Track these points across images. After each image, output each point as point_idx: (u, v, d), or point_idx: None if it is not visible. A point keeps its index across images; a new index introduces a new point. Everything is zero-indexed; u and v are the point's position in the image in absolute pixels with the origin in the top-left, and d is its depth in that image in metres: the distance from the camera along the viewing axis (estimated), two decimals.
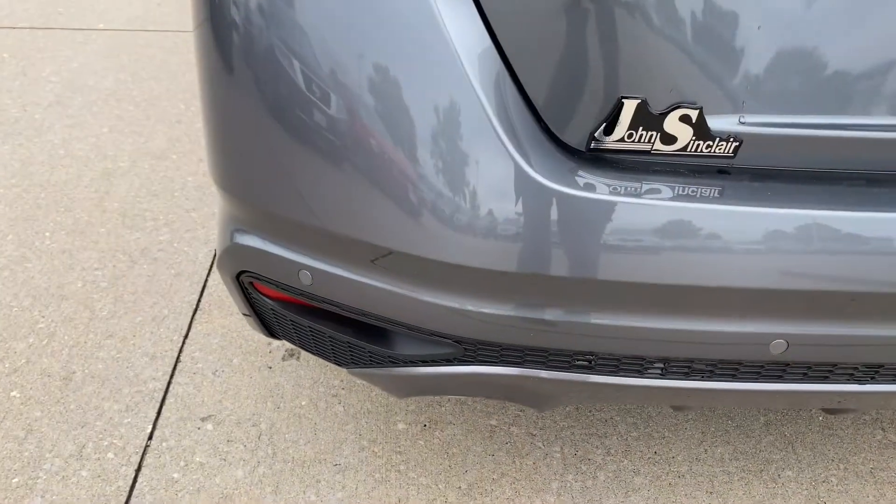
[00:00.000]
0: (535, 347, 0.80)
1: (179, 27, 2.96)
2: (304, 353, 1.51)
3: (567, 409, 1.42)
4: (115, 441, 1.31)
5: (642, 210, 0.70)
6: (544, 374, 0.82)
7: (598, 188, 0.71)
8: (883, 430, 1.41)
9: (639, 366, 0.80)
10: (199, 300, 1.62)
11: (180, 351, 1.49)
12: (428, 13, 0.66)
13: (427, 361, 0.85)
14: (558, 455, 1.33)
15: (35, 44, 2.76)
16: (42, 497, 1.21)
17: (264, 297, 0.92)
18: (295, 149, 0.74)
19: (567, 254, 0.72)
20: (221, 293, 1.64)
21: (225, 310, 1.60)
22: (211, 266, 1.72)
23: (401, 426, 1.37)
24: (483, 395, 0.91)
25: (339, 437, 1.34)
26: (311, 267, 0.81)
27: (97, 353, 1.48)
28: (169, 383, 1.42)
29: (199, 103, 2.38)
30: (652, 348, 0.77)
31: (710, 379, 0.81)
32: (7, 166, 2.03)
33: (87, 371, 1.44)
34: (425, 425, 1.38)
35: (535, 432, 1.38)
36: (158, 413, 1.37)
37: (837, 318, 0.75)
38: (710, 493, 1.28)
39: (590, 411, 1.42)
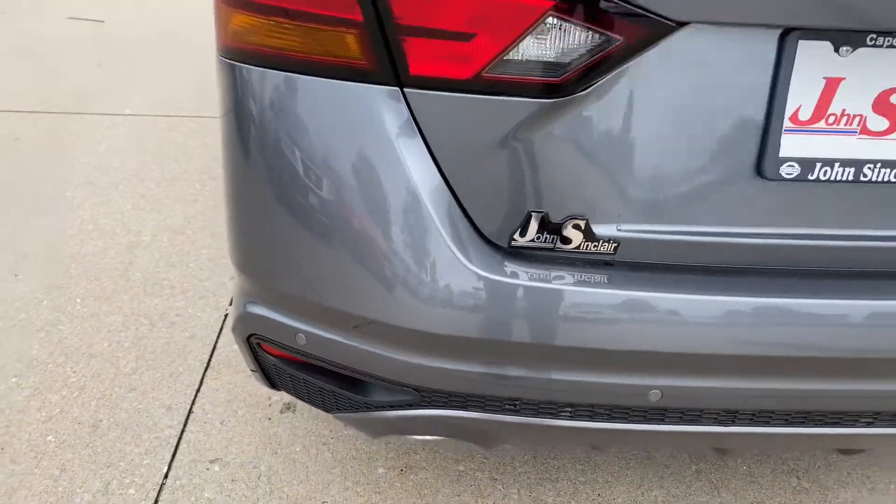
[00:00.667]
0: (474, 394, 1.04)
1: (197, 113, 3.29)
2: (298, 405, 1.74)
3: (526, 455, 1.64)
4: (135, 479, 1.53)
5: (549, 291, 0.96)
6: (482, 416, 1.06)
7: (518, 275, 0.97)
8: (798, 478, 1.63)
9: (553, 409, 1.04)
10: (209, 359, 1.86)
11: (192, 403, 1.73)
12: (395, 156, 0.93)
13: (393, 406, 1.09)
14: (515, 496, 1.55)
15: (68, 127, 3.08)
16: None
17: (268, 355, 1.16)
18: (298, 244, 1.00)
19: (496, 323, 0.97)
20: (229, 354, 1.89)
21: (232, 368, 1.84)
22: (221, 329, 1.97)
23: (381, 470, 1.60)
24: (437, 434, 1.15)
25: (327, 478, 1.56)
26: (305, 331, 1.07)
27: (121, 404, 1.72)
28: (182, 430, 1.65)
29: (212, 184, 2.68)
30: (561, 395, 1.02)
31: (609, 421, 1.05)
32: (43, 239, 2.31)
33: (112, 419, 1.67)
34: (402, 470, 1.60)
35: (496, 476, 1.60)
36: (173, 456, 1.59)
37: (700, 374, 1.00)
38: None
39: (545, 458, 1.64)
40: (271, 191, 1.00)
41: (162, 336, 1.93)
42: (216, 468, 1.58)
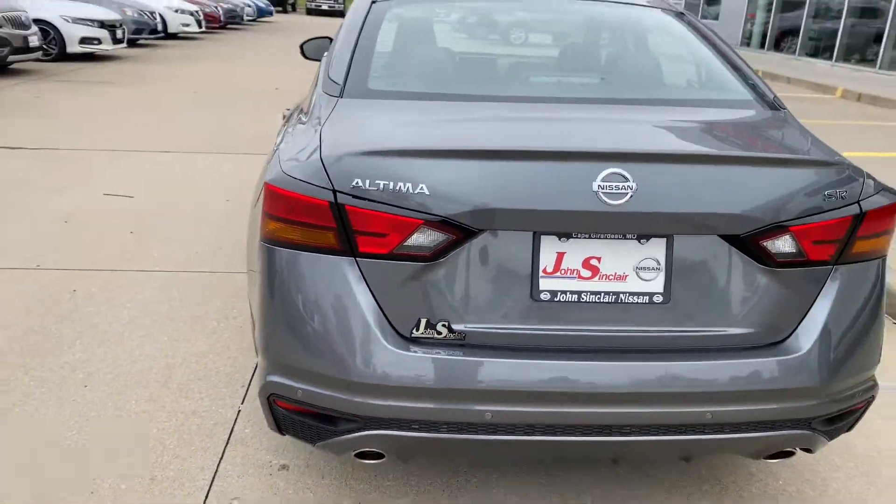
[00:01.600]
0: (394, 419, 1.91)
1: (213, 269, 4.27)
2: (290, 465, 2.56)
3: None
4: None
5: (432, 358, 1.88)
6: (399, 433, 1.93)
7: (416, 351, 1.89)
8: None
9: (435, 427, 1.91)
10: (228, 438, 2.69)
11: (217, 466, 2.54)
12: (352, 292, 1.88)
13: (348, 431, 1.96)
14: None
15: (115, 281, 4.03)
16: None
17: (279, 408, 2.04)
18: (298, 338, 1.92)
19: (404, 376, 1.88)
20: (242, 435, 2.71)
21: (244, 444, 2.66)
22: (235, 420, 2.80)
23: (345, 502, 2.40)
24: (375, 447, 1.99)
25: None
26: (301, 388, 1.95)
27: (170, 466, 2.52)
28: (212, 481, 2.46)
29: (226, 322, 3.59)
30: (439, 416, 1.89)
31: (462, 434, 1.91)
32: (105, 360, 3.17)
33: (164, 475, 2.47)
34: (358, 502, 2.41)
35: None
36: (206, 497, 2.39)
37: (512, 403, 1.88)
38: None
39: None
40: (283, 309, 1.94)
41: (195, 424, 2.77)
42: (237, 503, 2.37)
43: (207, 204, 5.49)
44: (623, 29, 3.08)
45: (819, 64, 18.58)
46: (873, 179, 2.05)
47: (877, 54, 16.76)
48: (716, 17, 25.13)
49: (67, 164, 6.44)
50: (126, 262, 4.31)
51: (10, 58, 11.44)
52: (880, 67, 16.60)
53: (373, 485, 2.49)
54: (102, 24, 14.00)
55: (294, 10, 40.50)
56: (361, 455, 2.06)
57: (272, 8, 32.11)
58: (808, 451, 2.17)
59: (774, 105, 2.46)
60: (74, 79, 11.65)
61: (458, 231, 1.85)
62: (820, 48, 19.20)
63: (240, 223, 4.61)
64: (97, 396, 2.93)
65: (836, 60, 18.23)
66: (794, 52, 20.23)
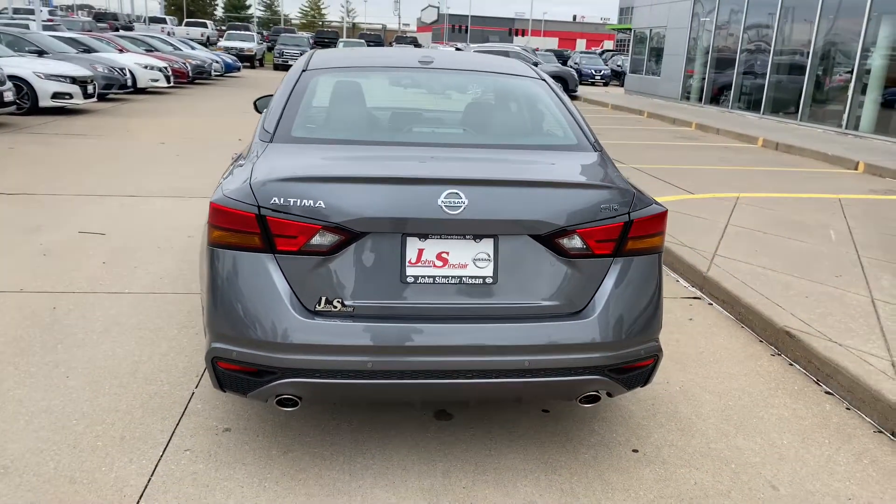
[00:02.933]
0: (304, 369, 2.67)
1: (174, 291, 4.98)
2: (232, 427, 3.27)
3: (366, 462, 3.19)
4: (136, 459, 3.03)
5: (331, 324, 2.66)
6: (310, 380, 2.68)
7: (318, 320, 2.67)
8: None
9: (336, 375, 2.67)
10: (183, 412, 3.40)
11: (175, 427, 3.25)
12: (272, 279, 2.66)
13: (271, 381, 2.71)
14: (340, 459, 3.09)
15: (90, 301, 4.72)
16: None
17: (220, 368, 2.78)
18: (235, 314, 2.69)
19: (311, 339, 2.65)
20: (196, 406, 3.42)
21: (197, 414, 3.37)
22: (190, 398, 3.52)
23: (273, 452, 3.13)
24: (293, 393, 2.74)
25: (247, 456, 3.09)
26: (236, 350, 2.71)
27: (139, 425, 3.23)
28: (170, 438, 3.17)
29: (185, 331, 4.30)
30: (338, 366, 2.65)
31: (361, 379, 2.68)
32: (81, 362, 3.87)
33: (132, 435, 3.18)
34: (285, 452, 3.13)
35: (333, 452, 3.14)
36: (163, 452, 3.10)
37: (390, 355, 2.66)
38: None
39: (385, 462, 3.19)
40: (222, 294, 2.71)
41: (157, 401, 3.47)
42: (188, 454, 3.08)
43: (171, 238, 6.23)
44: (490, 91, 4.00)
45: (749, 116, 20.09)
46: (643, 198, 2.92)
47: (797, 107, 18.29)
48: (658, 74, 26.86)
49: (44, 208, 7.14)
50: (99, 286, 5.02)
51: None
52: (801, 119, 18.10)
53: (297, 441, 3.22)
54: (74, 80, 14.74)
55: (262, 65, 41.68)
56: (281, 402, 2.81)
57: (239, 64, 33.15)
58: (609, 394, 2.98)
59: (595, 147, 3.35)
60: (47, 131, 12.35)
61: (347, 233, 2.66)
62: (750, 101, 20.76)
63: (198, 254, 5.36)
64: (78, 384, 3.62)
65: (763, 113, 19.75)
66: (728, 106, 21.80)
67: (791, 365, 4.34)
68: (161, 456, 3.05)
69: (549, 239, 2.76)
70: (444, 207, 2.66)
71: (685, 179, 9.93)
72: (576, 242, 2.78)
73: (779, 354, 4.48)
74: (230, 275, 2.71)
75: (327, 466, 3.05)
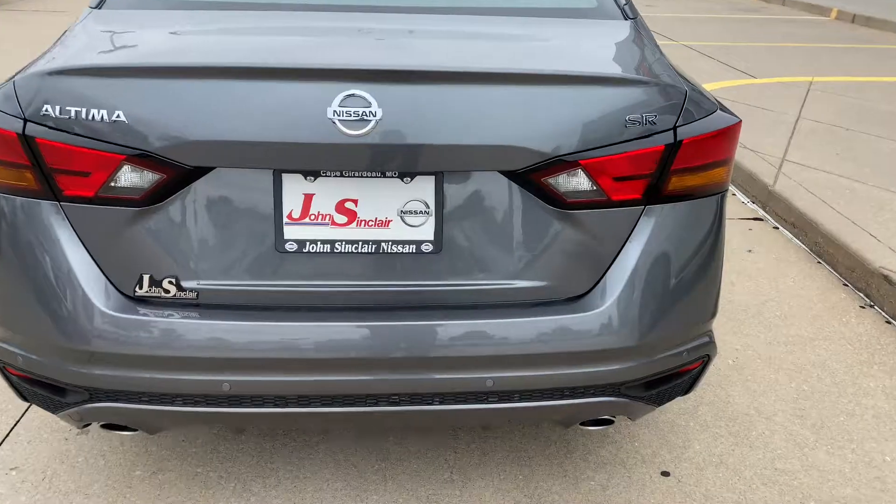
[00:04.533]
0: (122, 391, 1.64)
1: None
2: (91, 429, 2.32)
3: (251, 460, 2.21)
4: None
5: (162, 322, 1.59)
6: (130, 406, 1.66)
7: (142, 313, 1.60)
8: (450, 471, 2.21)
9: (171, 399, 1.64)
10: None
11: (11, 429, 2.30)
12: (57, 242, 1.58)
13: (79, 403, 1.69)
14: (231, 486, 2.12)
15: None
16: None
17: (11, 375, 1.77)
18: (12, 307, 1.63)
19: (129, 343, 1.59)
20: None
21: None
22: None
23: (137, 472, 2.17)
24: (112, 420, 1.73)
25: (95, 479, 2.13)
26: (21, 355, 1.68)
27: None
28: None
29: None
30: (175, 388, 1.62)
31: (206, 406, 1.65)
32: None
33: None
34: (153, 472, 2.17)
35: (223, 475, 2.17)
36: None
37: (252, 372, 1.61)
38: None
39: (265, 462, 2.21)
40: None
41: None
42: (13, 474, 2.14)
43: None
44: None
45: None
46: (700, 100, 1.70)
47: None
48: None
49: None
50: None
51: None
52: None
53: (175, 452, 2.25)
54: None
55: None
56: (110, 427, 1.81)
57: None
58: (630, 418, 1.91)
59: (625, 13, 2.08)
60: (24, 8, 11.10)
61: (171, 169, 1.53)
62: None
63: None
64: None
65: None
66: None
67: (889, 323, 3.17)
68: None
69: (534, 177, 1.59)
70: (338, 124, 1.49)
71: (744, 60, 8.33)
72: (579, 182, 1.61)
73: (872, 307, 3.31)
74: (6, 233, 1.63)
75: (209, 499, 2.08)
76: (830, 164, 4.72)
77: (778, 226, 4.17)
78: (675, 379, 1.84)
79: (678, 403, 2.54)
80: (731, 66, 7.97)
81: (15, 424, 2.34)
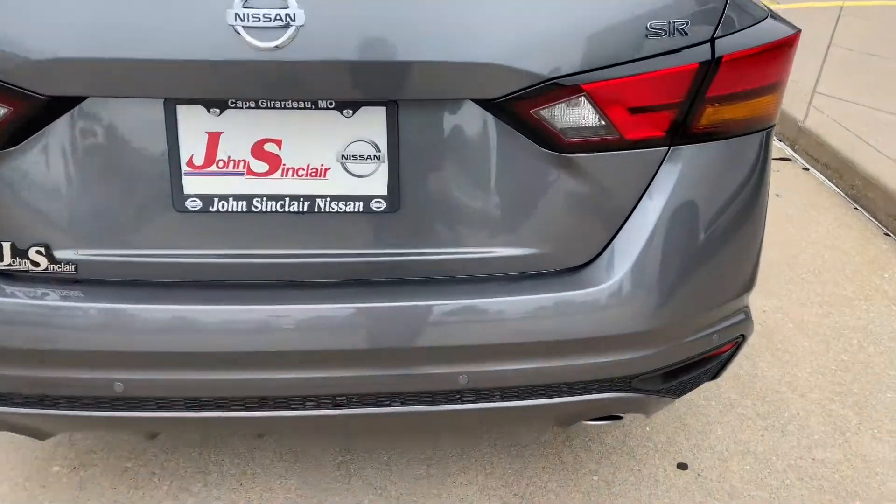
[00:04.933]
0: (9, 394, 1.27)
1: None
2: None
3: (192, 453, 1.87)
4: None
5: (25, 304, 1.21)
6: (6, 410, 1.30)
7: (6, 292, 1.22)
8: (427, 466, 1.86)
9: (50, 402, 1.28)
10: None
11: None
12: None
13: None
14: (166, 486, 1.78)
15: None
16: None
17: None
18: None
19: None
20: None
21: None
22: None
23: (55, 468, 1.83)
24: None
25: (4, 477, 1.79)
26: None
27: None
28: None
29: None
30: (53, 390, 1.25)
31: (90, 410, 1.28)
32: None
33: None
34: (74, 468, 1.83)
35: (156, 471, 1.83)
36: None
37: (151, 368, 1.23)
38: None
39: (208, 455, 1.87)
40: None
41: None
42: None
43: None
44: None
45: None
46: (748, 5, 1.26)
47: None
48: None
49: None
50: None
51: None
52: None
53: (103, 441, 1.91)
54: None
55: None
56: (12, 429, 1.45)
57: None
58: (644, 414, 1.54)
59: None
60: None
61: (19, 100, 1.11)
62: None
63: None
64: None
65: None
66: None
67: None
68: None
69: (520, 108, 1.17)
70: (242, 32, 1.07)
71: None
72: (582, 114, 1.18)
73: None
74: None
75: (136, 502, 1.74)
76: (866, 96, 4.22)
77: (808, 167, 3.72)
78: (701, 367, 1.46)
79: None
80: None
81: None
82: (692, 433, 1.99)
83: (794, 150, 3.88)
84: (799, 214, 3.22)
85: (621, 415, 1.49)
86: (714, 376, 1.57)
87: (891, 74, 4.66)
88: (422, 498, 1.78)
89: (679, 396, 1.51)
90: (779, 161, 3.77)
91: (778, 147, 3.94)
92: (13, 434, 1.73)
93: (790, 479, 1.87)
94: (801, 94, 4.23)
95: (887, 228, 3.10)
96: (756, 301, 2.54)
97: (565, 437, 1.96)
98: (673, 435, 1.98)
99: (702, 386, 2.09)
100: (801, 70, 4.63)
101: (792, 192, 3.43)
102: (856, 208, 3.30)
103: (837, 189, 3.47)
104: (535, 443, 1.94)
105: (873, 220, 3.19)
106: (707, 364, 1.47)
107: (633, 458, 1.91)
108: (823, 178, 3.59)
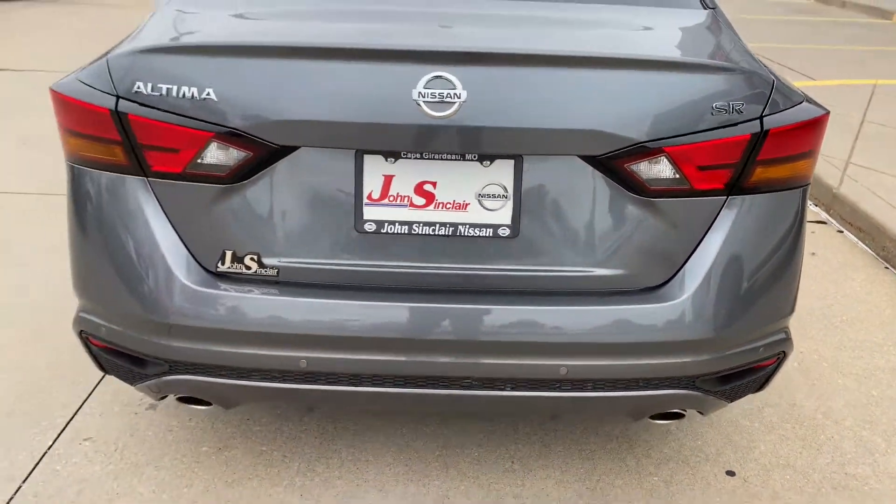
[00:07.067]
0: (203, 364, 1.68)
1: None
2: (159, 405, 2.38)
3: (314, 440, 2.24)
4: (27, 449, 2.17)
5: (242, 297, 1.62)
6: (210, 380, 1.70)
7: (223, 288, 1.63)
8: (511, 461, 2.20)
9: (247, 374, 1.67)
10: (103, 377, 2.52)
11: (83, 403, 2.38)
12: (144, 217, 1.62)
13: (158, 375, 1.73)
14: (295, 466, 2.15)
15: (49, 203, 3.87)
16: None
17: (92, 345, 1.82)
18: (98, 276, 1.68)
19: (209, 317, 1.63)
20: None
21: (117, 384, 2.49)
22: None
23: (204, 448, 2.21)
24: (184, 393, 1.77)
25: (164, 452, 2.18)
26: (104, 326, 1.73)
27: (30, 399, 2.37)
28: (70, 419, 2.30)
29: None
30: (252, 363, 1.65)
31: (286, 382, 1.67)
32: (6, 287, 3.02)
33: (22, 409, 2.32)
34: (219, 448, 2.21)
35: (286, 454, 2.20)
36: (59, 435, 2.23)
37: (330, 350, 1.62)
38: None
39: (326, 441, 2.24)
40: (81, 235, 1.69)
41: (69, 358, 2.60)
42: (87, 445, 2.21)
43: None
44: None
45: None
46: (786, 91, 1.66)
47: None
48: None
49: (31, 86, 6.27)
50: None
51: None
52: None
53: (240, 432, 2.29)
54: None
55: None
56: (185, 400, 1.85)
57: None
58: (700, 412, 1.88)
59: (704, 2, 2.04)
60: (82, 1, 11.44)
61: (257, 147, 1.55)
62: None
63: None
64: None
65: None
66: None
67: None
68: (49, 448, 2.19)
69: (616, 163, 1.58)
70: (422, 105, 1.50)
71: (803, 62, 8.13)
72: (662, 170, 1.59)
73: None
74: (90, 207, 1.69)
75: (272, 479, 2.11)
76: None
77: (843, 229, 4.06)
78: (750, 375, 1.80)
79: (742, 404, 2.49)
80: (788, 67, 7.78)
81: (87, 397, 2.41)
82: (738, 448, 2.31)
83: (829, 215, 4.22)
84: (833, 272, 3.55)
85: (683, 411, 1.83)
86: (759, 388, 1.90)
87: None
88: (508, 486, 2.12)
89: (731, 401, 1.85)
90: (814, 224, 4.11)
91: (814, 211, 4.29)
92: (170, 419, 2.14)
93: (825, 488, 2.16)
94: (835, 164, 4.59)
95: None
96: (795, 343, 2.87)
97: (629, 445, 2.29)
98: (721, 448, 2.30)
99: (745, 409, 2.44)
100: (836, 141, 5.02)
101: (827, 252, 3.76)
102: (886, 268, 3.61)
103: (870, 250, 3.79)
104: (602, 449, 2.27)
105: None
106: (755, 374, 1.81)
107: (687, 464, 2.23)
108: (856, 239, 3.92)
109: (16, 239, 3.49)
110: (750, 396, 2.47)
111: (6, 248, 3.40)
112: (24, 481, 2.06)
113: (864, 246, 3.85)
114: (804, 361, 2.78)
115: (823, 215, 4.24)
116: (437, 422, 2.36)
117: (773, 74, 1.70)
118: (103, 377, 2.50)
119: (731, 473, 2.20)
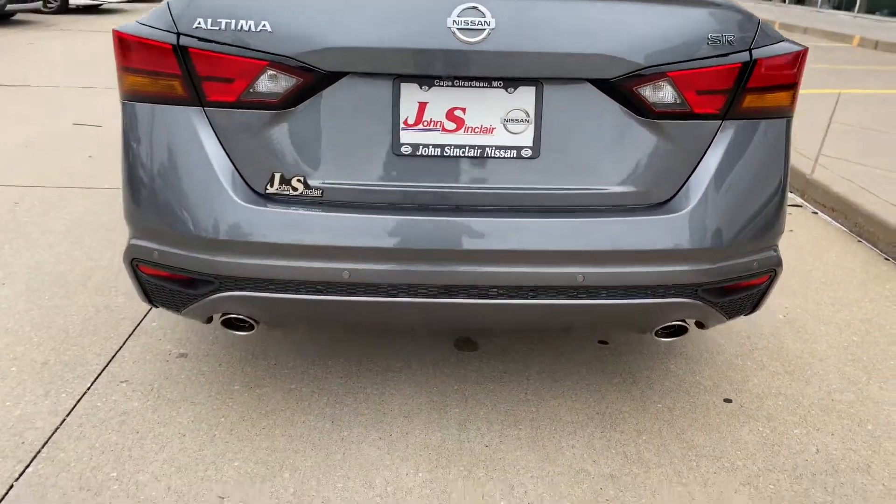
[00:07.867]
0: (252, 278, 1.82)
1: None
2: (189, 353, 2.50)
3: (341, 378, 2.38)
4: (65, 392, 2.28)
5: (289, 215, 1.78)
6: (258, 294, 1.84)
7: (271, 207, 1.80)
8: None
9: (295, 287, 1.82)
10: (134, 330, 2.64)
11: (118, 351, 2.49)
12: (200, 142, 1.78)
13: (206, 294, 1.88)
14: (323, 400, 2.29)
15: (59, 196, 3.98)
16: None
17: (143, 273, 1.96)
18: (151, 199, 1.83)
19: (258, 233, 1.78)
20: (148, 328, 2.66)
21: (147, 335, 2.61)
22: (145, 315, 2.75)
23: (235, 387, 2.34)
24: (238, 312, 1.91)
25: (198, 391, 2.31)
26: (157, 249, 1.87)
27: (68, 351, 2.48)
28: (106, 365, 2.42)
29: None
30: (298, 275, 1.80)
31: (327, 295, 1.83)
32: (26, 266, 3.14)
33: (58, 360, 2.44)
34: (250, 387, 2.35)
35: (315, 391, 2.34)
36: (96, 378, 2.35)
37: (371, 261, 1.79)
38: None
39: (354, 381, 2.38)
40: (137, 167, 1.85)
41: (103, 317, 2.72)
42: (124, 386, 2.33)
43: None
44: None
45: (841, 15, 17.91)
46: (769, 31, 1.89)
47: None
48: None
49: (43, 99, 6.41)
50: (77, 181, 4.27)
51: (10, 7, 11.45)
52: None
53: (268, 372, 2.43)
54: None
55: None
56: (230, 324, 1.99)
57: None
58: (701, 326, 2.06)
59: None
60: (72, 28, 11.62)
61: (307, 74, 1.74)
62: (843, 0, 18.50)
63: None
64: (12, 292, 2.89)
65: (858, 12, 17.56)
66: (816, 5, 19.53)
67: None
68: (87, 389, 2.30)
69: (625, 87, 1.78)
70: (456, 32, 1.70)
71: None
72: (666, 93, 1.80)
73: None
74: (146, 139, 1.84)
75: (303, 409, 2.25)
76: (865, 157, 4.88)
77: (817, 211, 4.32)
78: (746, 290, 1.99)
79: (733, 346, 2.69)
80: None
81: (119, 348, 2.53)
82: (733, 381, 2.49)
83: (804, 199, 4.49)
84: (811, 245, 3.79)
85: (685, 325, 2.01)
86: (753, 308, 2.10)
87: (885, 143, 5.33)
88: (524, 412, 2.28)
89: (729, 317, 2.04)
90: (790, 207, 4.37)
91: (789, 196, 4.56)
92: (201, 365, 2.27)
93: (815, 410, 2.35)
94: (808, 155, 4.89)
95: (887, 255, 3.65)
96: (779, 300, 3.09)
97: (633, 380, 2.46)
98: (718, 381, 2.48)
99: (736, 351, 2.63)
100: (807, 138, 5.33)
101: (804, 229, 4.01)
102: (859, 241, 3.87)
103: (842, 227, 4.05)
104: (609, 384, 2.44)
105: (874, 249, 3.75)
106: (750, 290, 2.01)
107: (688, 395, 2.41)
108: (830, 219, 4.18)
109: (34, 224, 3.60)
110: (741, 338, 2.69)
111: (25, 234, 3.51)
112: (67, 415, 2.17)
113: (837, 224, 4.11)
114: (789, 314, 2.99)
115: (798, 200, 4.51)
116: (453, 363, 2.51)
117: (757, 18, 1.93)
118: (132, 333, 2.63)
119: (728, 401, 2.38)
